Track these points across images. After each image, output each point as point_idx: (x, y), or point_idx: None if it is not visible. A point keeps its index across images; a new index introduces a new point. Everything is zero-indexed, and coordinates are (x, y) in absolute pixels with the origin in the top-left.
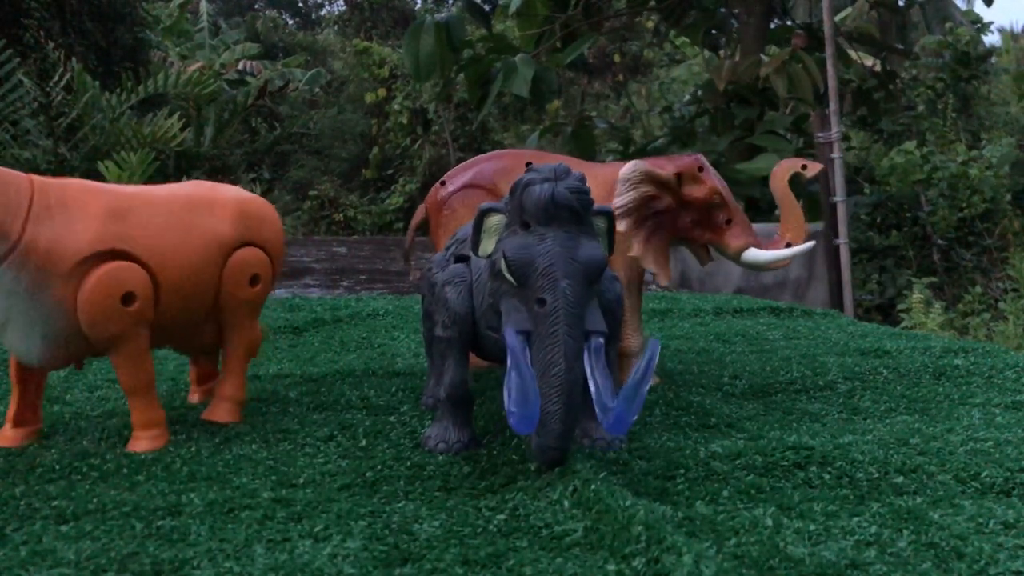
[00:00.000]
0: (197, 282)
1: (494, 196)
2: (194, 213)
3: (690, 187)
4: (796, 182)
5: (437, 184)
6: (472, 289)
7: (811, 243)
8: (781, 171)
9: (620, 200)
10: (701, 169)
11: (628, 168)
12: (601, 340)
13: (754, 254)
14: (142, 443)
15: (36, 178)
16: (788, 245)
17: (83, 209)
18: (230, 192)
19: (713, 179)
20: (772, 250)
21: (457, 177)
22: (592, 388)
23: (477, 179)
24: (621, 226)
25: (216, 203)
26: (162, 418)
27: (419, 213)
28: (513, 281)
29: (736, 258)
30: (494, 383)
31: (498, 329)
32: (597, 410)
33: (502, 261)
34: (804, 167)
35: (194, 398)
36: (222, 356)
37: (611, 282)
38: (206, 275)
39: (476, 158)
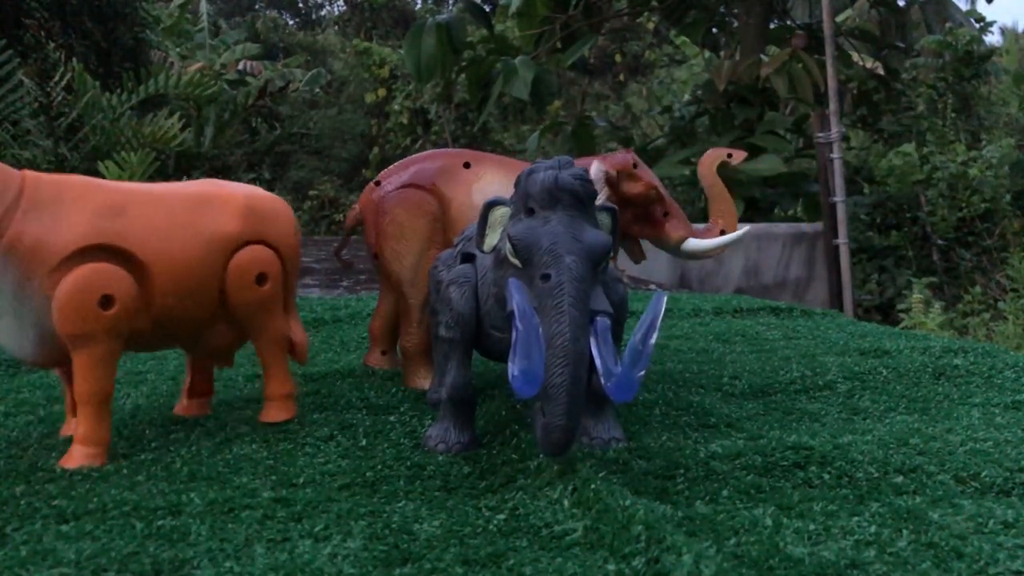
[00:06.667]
0: (197, 281)
1: (433, 196)
2: (196, 211)
3: (627, 184)
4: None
5: (371, 184)
6: (476, 289)
7: (745, 228)
8: (708, 160)
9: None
10: (635, 165)
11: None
12: (607, 320)
13: (694, 243)
14: (75, 458)
15: (29, 173)
16: (722, 232)
17: (76, 204)
18: (237, 189)
19: (648, 174)
20: (709, 238)
21: (394, 177)
22: (598, 364)
23: (416, 179)
24: None
25: (219, 199)
26: (107, 439)
27: (353, 213)
28: (518, 262)
29: (676, 249)
30: (495, 381)
31: (502, 328)
32: (602, 379)
33: (507, 243)
34: (730, 155)
35: (178, 410)
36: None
37: (616, 283)
38: (208, 274)
39: (411, 158)
